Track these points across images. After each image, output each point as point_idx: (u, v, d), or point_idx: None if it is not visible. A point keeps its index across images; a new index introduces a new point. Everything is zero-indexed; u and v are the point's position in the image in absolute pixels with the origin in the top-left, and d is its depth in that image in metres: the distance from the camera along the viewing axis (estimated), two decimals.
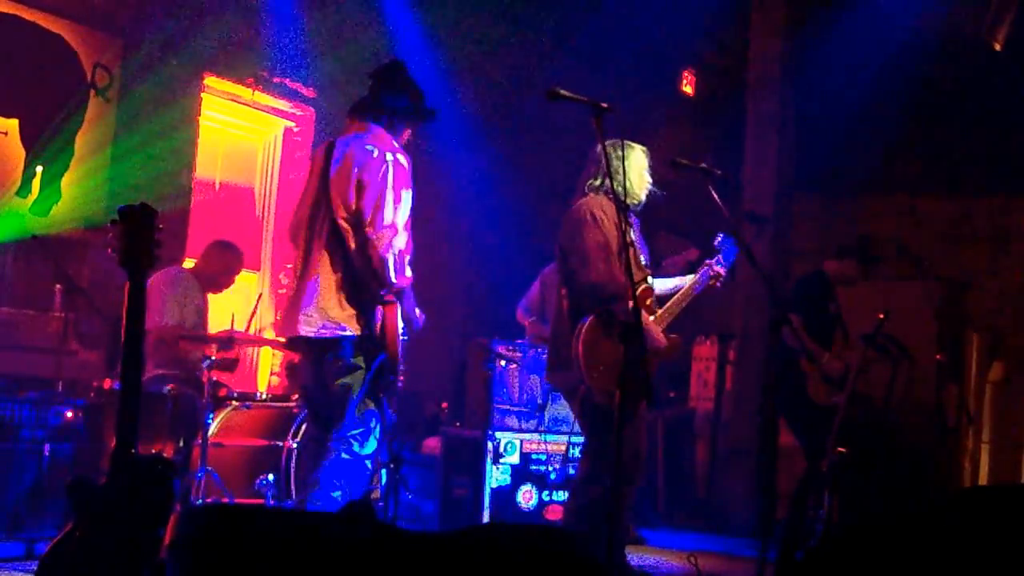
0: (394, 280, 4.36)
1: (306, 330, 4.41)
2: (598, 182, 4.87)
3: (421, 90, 4.67)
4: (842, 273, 6.55)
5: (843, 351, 6.28)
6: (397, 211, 4.36)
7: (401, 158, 4.45)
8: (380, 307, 4.40)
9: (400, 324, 4.47)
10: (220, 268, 6.46)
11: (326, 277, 4.41)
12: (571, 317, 4.78)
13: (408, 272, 4.44)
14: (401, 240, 4.38)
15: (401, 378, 4.67)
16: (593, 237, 4.71)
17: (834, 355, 6.26)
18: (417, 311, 4.63)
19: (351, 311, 4.39)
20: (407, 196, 4.41)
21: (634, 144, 4.97)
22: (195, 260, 6.64)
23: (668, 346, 4.91)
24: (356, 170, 4.38)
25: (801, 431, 6.33)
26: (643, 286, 4.81)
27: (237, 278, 6.80)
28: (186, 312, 6.20)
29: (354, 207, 4.37)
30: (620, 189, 4.63)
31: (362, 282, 4.40)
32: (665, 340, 4.84)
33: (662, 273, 5.36)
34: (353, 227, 4.38)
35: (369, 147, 4.43)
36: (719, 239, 5.18)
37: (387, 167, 4.37)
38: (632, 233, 4.87)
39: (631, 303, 3.86)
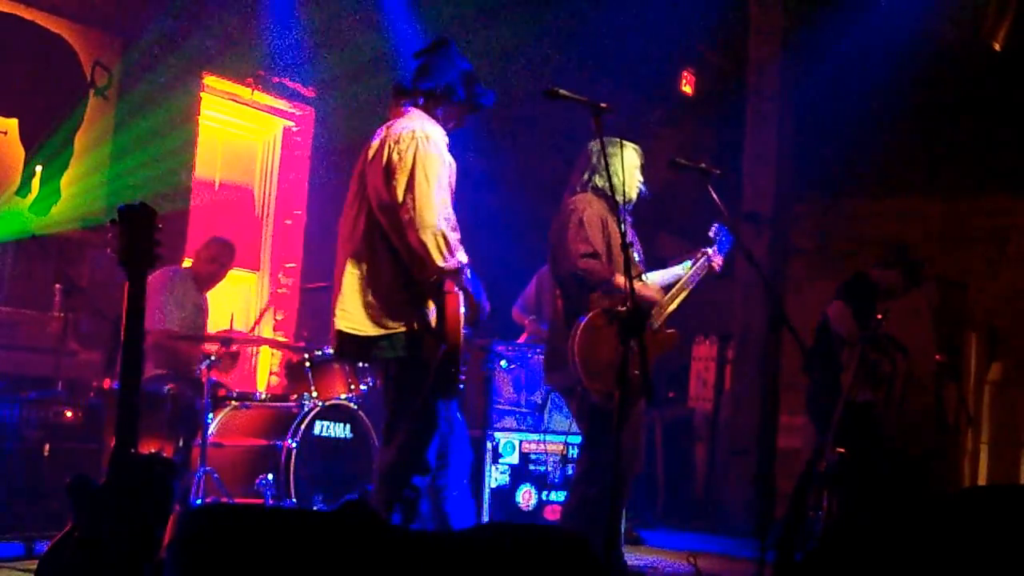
0: (441, 263, 4.02)
1: (345, 325, 4.14)
2: (587, 178, 4.89)
3: (466, 74, 4.34)
4: (885, 283, 6.50)
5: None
6: (432, 189, 4.04)
7: (431, 131, 4.17)
8: (432, 296, 4.08)
9: (462, 314, 4.08)
10: (208, 259, 6.44)
11: (368, 270, 4.14)
12: (567, 317, 4.79)
13: (461, 254, 4.09)
14: (442, 219, 4.03)
15: (463, 378, 4.17)
16: (576, 233, 4.72)
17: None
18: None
19: (396, 304, 4.10)
20: (442, 171, 4.11)
21: (626, 142, 4.95)
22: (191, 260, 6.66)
23: (665, 341, 4.93)
24: (384, 155, 4.12)
25: (827, 425, 6.21)
26: (638, 284, 4.81)
27: (239, 277, 6.80)
28: (185, 312, 6.21)
29: (386, 194, 4.09)
30: (610, 186, 4.61)
31: (411, 272, 4.11)
32: (658, 296, 4.86)
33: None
34: (389, 214, 4.10)
35: (397, 128, 4.18)
36: (714, 229, 5.19)
37: (416, 143, 4.07)
38: (627, 231, 4.87)
39: (628, 299, 3.86)
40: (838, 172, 9.64)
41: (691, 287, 5.03)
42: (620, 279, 4.59)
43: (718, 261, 5.10)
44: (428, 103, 4.31)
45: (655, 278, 5.10)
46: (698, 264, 5.09)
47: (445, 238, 4.04)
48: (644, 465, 5.00)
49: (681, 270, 5.13)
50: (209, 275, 6.48)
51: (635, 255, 4.94)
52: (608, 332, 4.57)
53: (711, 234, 5.16)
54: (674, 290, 5.01)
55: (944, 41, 8.38)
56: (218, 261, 6.50)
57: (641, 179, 5.00)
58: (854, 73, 8.61)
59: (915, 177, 9.70)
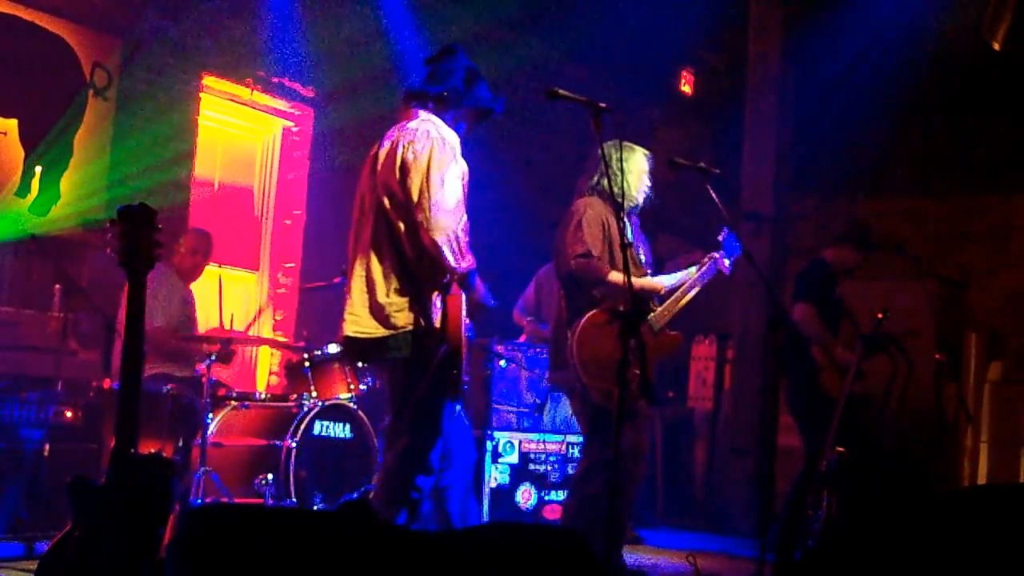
0: (455, 264, 4.06)
1: (353, 330, 4.16)
2: (594, 181, 4.92)
3: (475, 80, 4.36)
4: (841, 260, 6.47)
5: (852, 341, 6.17)
6: (447, 191, 4.04)
7: (446, 134, 4.19)
8: (439, 296, 4.10)
9: (464, 317, 4.11)
10: (189, 251, 6.42)
11: (374, 271, 4.14)
12: (570, 317, 4.82)
13: (470, 256, 4.14)
14: (455, 221, 4.06)
15: (466, 379, 4.21)
16: (572, 235, 4.77)
17: (845, 345, 6.17)
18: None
19: (403, 304, 4.10)
20: (456, 173, 4.12)
21: (636, 147, 5.00)
22: None
23: (668, 343, 4.96)
24: (399, 154, 4.11)
25: (809, 424, 6.19)
26: (637, 278, 4.84)
27: (239, 277, 6.78)
28: (171, 309, 6.20)
29: (399, 192, 4.09)
30: (617, 190, 4.64)
31: (417, 272, 4.12)
32: (658, 285, 4.89)
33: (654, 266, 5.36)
34: (401, 214, 4.11)
35: (411, 129, 4.18)
36: (723, 234, 5.19)
37: (430, 145, 4.08)
38: (630, 233, 4.91)
39: (628, 299, 3.87)
40: (837, 172, 9.64)
41: (696, 290, 5.04)
42: (615, 276, 4.63)
43: (725, 264, 5.11)
44: (438, 107, 4.32)
45: (663, 282, 5.12)
46: (704, 267, 5.10)
47: (459, 240, 4.07)
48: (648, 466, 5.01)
49: (687, 275, 5.14)
50: (192, 267, 6.46)
51: (641, 256, 4.98)
52: (608, 331, 4.61)
53: (720, 238, 5.17)
54: (679, 292, 5.02)
55: (943, 40, 8.38)
56: (199, 252, 6.47)
57: (649, 184, 5.03)
58: (853, 72, 8.62)
59: (915, 177, 9.70)
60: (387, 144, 4.23)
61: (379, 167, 4.22)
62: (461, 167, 4.22)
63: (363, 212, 4.28)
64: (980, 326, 9.24)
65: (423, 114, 4.29)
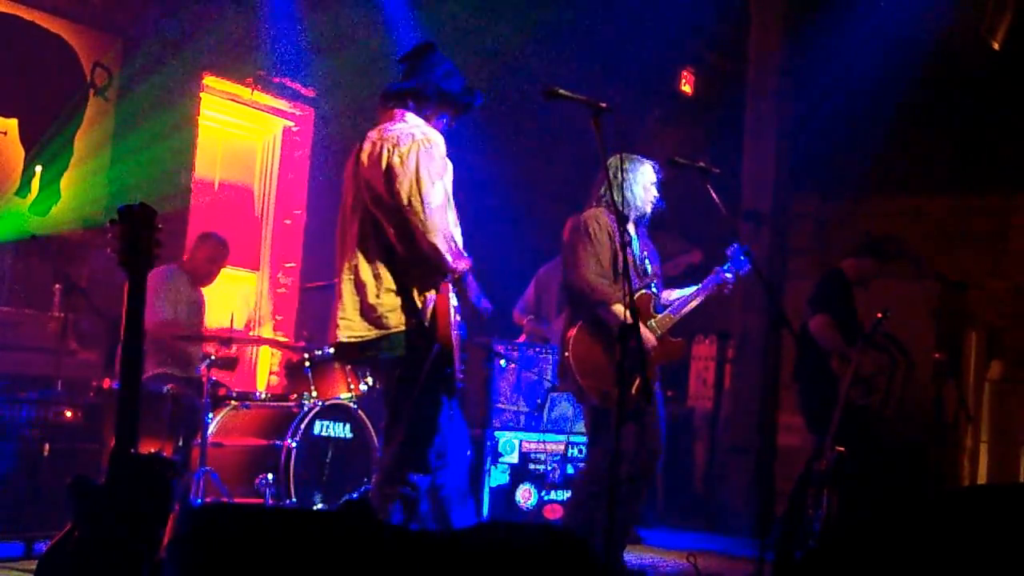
0: (453, 265, 4.07)
1: (347, 335, 4.14)
2: (602, 192, 4.98)
3: (451, 75, 4.34)
4: (860, 272, 6.48)
5: (867, 350, 6.15)
6: (438, 192, 4.04)
7: (431, 135, 4.16)
8: (430, 295, 4.10)
9: (453, 313, 4.12)
10: (203, 257, 6.45)
11: (363, 273, 4.12)
12: (569, 321, 4.90)
13: (465, 255, 4.15)
14: (447, 221, 4.07)
15: (460, 376, 4.24)
16: (584, 248, 4.86)
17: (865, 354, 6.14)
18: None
19: (394, 305, 4.08)
20: (443, 174, 4.12)
21: (643, 159, 5.06)
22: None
23: (671, 349, 5.00)
24: (385, 156, 4.08)
25: (823, 428, 6.16)
26: (641, 292, 4.88)
27: (239, 277, 6.78)
28: (179, 308, 6.21)
29: (387, 194, 4.07)
30: (621, 201, 4.70)
31: (408, 272, 4.10)
32: (655, 340, 4.90)
33: (662, 273, 5.38)
34: (389, 216, 4.09)
35: (395, 131, 4.16)
36: (732, 248, 5.21)
37: (417, 148, 4.06)
38: (636, 242, 4.97)
39: (627, 306, 3.88)
40: (837, 171, 9.63)
41: (697, 302, 5.07)
42: (618, 309, 4.65)
43: (727, 279, 5.14)
44: (418, 105, 4.30)
45: (672, 296, 5.15)
46: (708, 280, 5.14)
47: (452, 240, 4.07)
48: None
49: (690, 293, 5.18)
50: (207, 273, 6.49)
51: (648, 266, 5.02)
52: (605, 333, 4.68)
53: (728, 252, 5.20)
54: (679, 302, 5.10)
55: (943, 40, 8.38)
56: (216, 262, 6.51)
57: (656, 194, 5.08)
58: (853, 72, 8.61)
59: (915, 176, 9.69)
60: (367, 146, 4.19)
61: (362, 168, 4.19)
62: (447, 167, 4.22)
63: (347, 214, 4.26)
64: (980, 325, 9.24)
65: (404, 115, 4.27)
